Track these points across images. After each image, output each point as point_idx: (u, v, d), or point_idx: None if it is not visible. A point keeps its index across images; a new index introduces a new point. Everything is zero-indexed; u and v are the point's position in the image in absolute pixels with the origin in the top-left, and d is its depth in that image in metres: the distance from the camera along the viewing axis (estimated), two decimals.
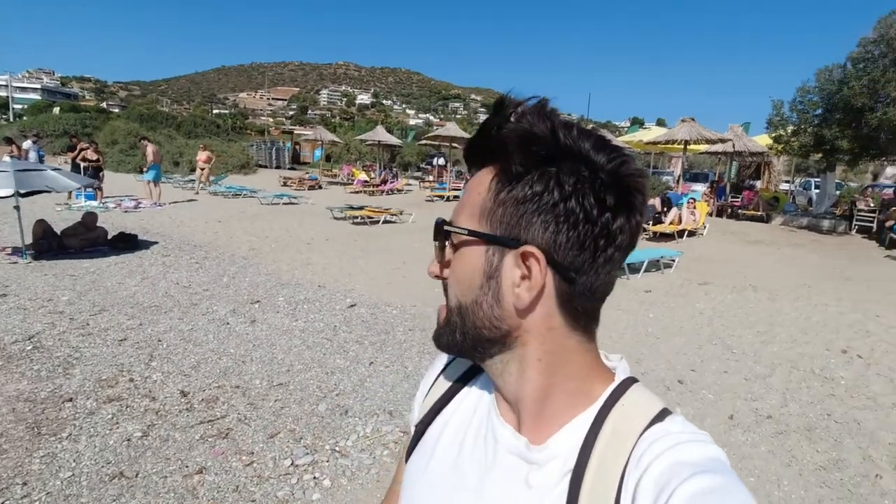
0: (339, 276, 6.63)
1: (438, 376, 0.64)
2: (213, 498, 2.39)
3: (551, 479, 0.48)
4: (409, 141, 34.02)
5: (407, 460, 0.62)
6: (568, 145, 0.45)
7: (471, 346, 0.52)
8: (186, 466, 2.61)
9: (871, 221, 12.29)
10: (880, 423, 3.38)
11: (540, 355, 0.49)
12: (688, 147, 14.05)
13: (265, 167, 26.79)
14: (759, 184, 18.43)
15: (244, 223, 10.38)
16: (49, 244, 6.86)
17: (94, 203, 11.39)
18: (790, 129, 13.07)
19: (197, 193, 15.03)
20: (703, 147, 15.32)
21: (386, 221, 11.39)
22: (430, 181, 21.87)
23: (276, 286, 5.95)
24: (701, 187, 17.25)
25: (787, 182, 21.95)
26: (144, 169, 12.98)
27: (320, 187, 19.64)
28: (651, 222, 10.60)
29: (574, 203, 0.45)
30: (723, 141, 13.97)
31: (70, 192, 10.48)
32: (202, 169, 15.83)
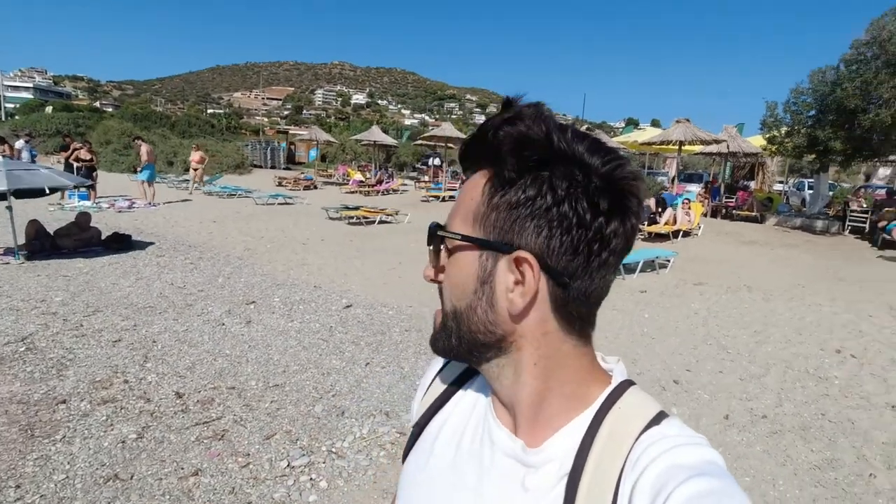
0: (335, 276, 6.62)
1: (435, 377, 0.64)
2: (208, 500, 2.38)
3: (548, 482, 0.48)
4: (405, 141, 33.99)
5: (404, 460, 0.62)
6: (562, 149, 0.45)
7: (467, 351, 0.52)
8: (182, 468, 2.59)
9: (864, 222, 12.37)
10: (874, 423, 3.40)
11: (535, 360, 0.49)
12: (682, 148, 14.11)
13: (260, 167, 26.71)
14: (753, 184, 18.55)
15: (239, 223, 10.34)
16: (42, 244, 6.81)
17: (88, 203, 11.32)
18: (784, 130, 13.15)
19: (191, 194, 14.97)
20: (697, 148, 15.40)
21: (381, 222, 11.38)
22: (425, 181, 21.88)
23: (271, 287, 5.93)
24: (696, 188, 17.33)
25: (781, 183, 22.08)
26: (138, 169, 12.92)
27: (315, 187, 19.60)
28: (646, 222, 10.63)
29: (567, 207, 0.44)
30: (717, 142, 14.04)
31: (63, 192, 10.41)
32: (195, 169, 15.77)
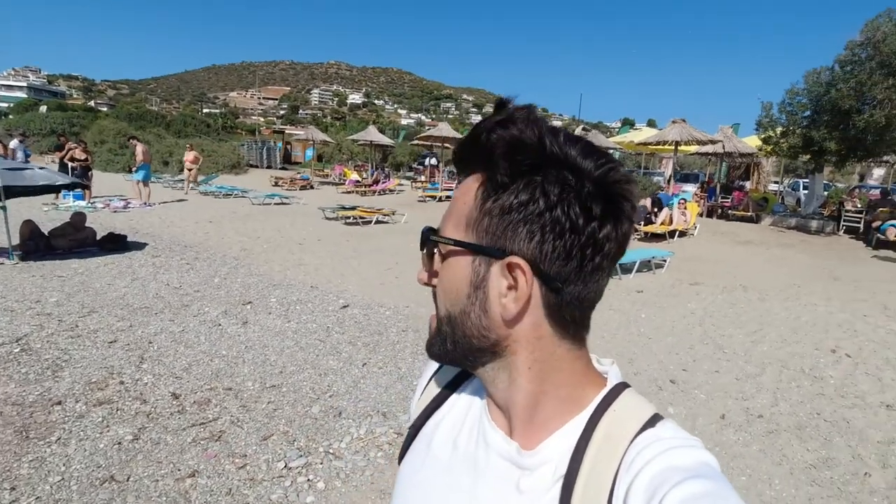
0: (332, 276, 6.61)
1: (431, 379, 0.65)
2: (205, 501, 2.37)
3: (543, 484, 0.48)
4: (401, 141, 33.96)
5: (400, 462, 0.62)
6: (554, 153, 0.45)
7: (462, 356, 0.52)
8: (178, 470, 2.59)
9: (859, 222, 12.44)
10: (869, 422, 3.42)
11: (530, 364, 0.49)
12: (678, 148, 14.16)
13: (256, 167, 26.62)
14: (748, 184, 18.61)
15: (235, 223, 10.31)
16: (36, 245, 6.77)
17: (83, 203, 11.26)
18: (779, 130, 13.22)
19: (186, 193, 14.92)
20: (693, 148, 15.45)
21: (378, 222, 11.37)
22: (422, 181, 21.87)
23: (268, 287, 5.91)
24: (691, 188, 17.38)
25: (776, 183, 22.20)
26: (134, 168, 12.86)
27: (312, 187, 19.57)
28: (642, 223, 10.66)
29: (560, 212, 0.44)
30: (713, 142, 14.10)
31: (58, 192, 10.35)
32: (189, 169, 15.71)
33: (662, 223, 10.75)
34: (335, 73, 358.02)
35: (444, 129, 19.34)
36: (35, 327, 4.30)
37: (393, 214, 11.93)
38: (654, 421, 0.48)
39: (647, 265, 7.76)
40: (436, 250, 0.52)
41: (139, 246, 7.62)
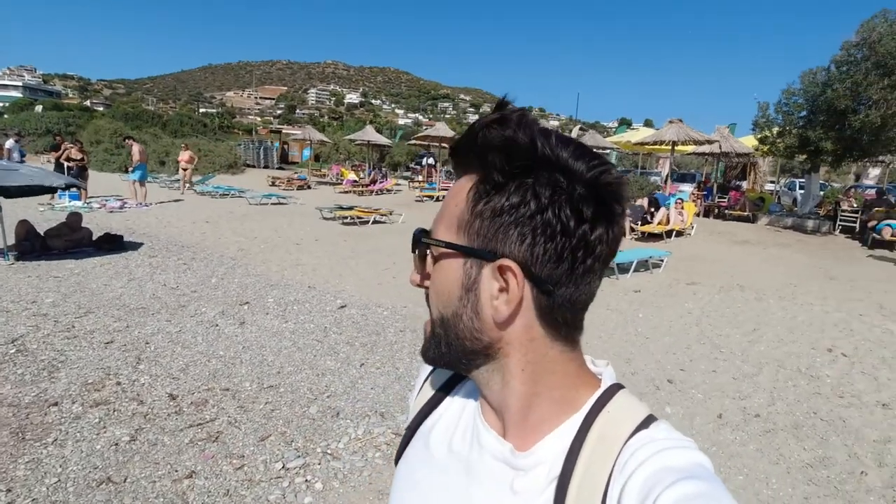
0: (329, 276, 6.60)
1: (426, 381, 0.65)
2: (203, 502, 2.37)
3: (537, 485, 0.48)
4: (398, 141, 33.94)
5: (397, 463, 0.62)
6: (546, 154, 0.45)
7: (456, 359, 0.52)
8: (176, 471, 2.58)
9: (854, 222, 12.48)
10: (865, 421, 3.44)
11: (523, 365, 0.49)
12: (675, 148, 14.18)
13: (253, 167, 26.59)
14: (745, 184, 18.68)
15: (232, 223, 10.29)
16: (32, 245, 6.75)
17: (79, 203, 11.22)
18: (775, 130, 13.26)
19: (182, 193, 14.88)
20: (690, 148, 15.48)
21: (376, 222, 11.36)
22: (419, 181, 21.83)
23: (265, 287, 5.90)
24: (688, 188, 17.43)
25: (773, 182, 22.25)
26: (130, 168, 12.82)
27: (309, 187, 19.54)
28: (639, 222, 10.68)
29: (551, 215, 0.44)
30: (710, 142, 14.13)
31: (53, 192, 10.31)
32: (185, 169, 15.66)
33: (659, 223, 10.77)
34: (332, 73, 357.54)
35: (442, 129, 19.34)
36: (31, 328, 4.29)
37: (390, 214, 11.92)
38: (647, 422, 0.48)
39: (644, 265, 7.77)
40: (428, 252, 0.52)
41: (135, 246, 7.60)
